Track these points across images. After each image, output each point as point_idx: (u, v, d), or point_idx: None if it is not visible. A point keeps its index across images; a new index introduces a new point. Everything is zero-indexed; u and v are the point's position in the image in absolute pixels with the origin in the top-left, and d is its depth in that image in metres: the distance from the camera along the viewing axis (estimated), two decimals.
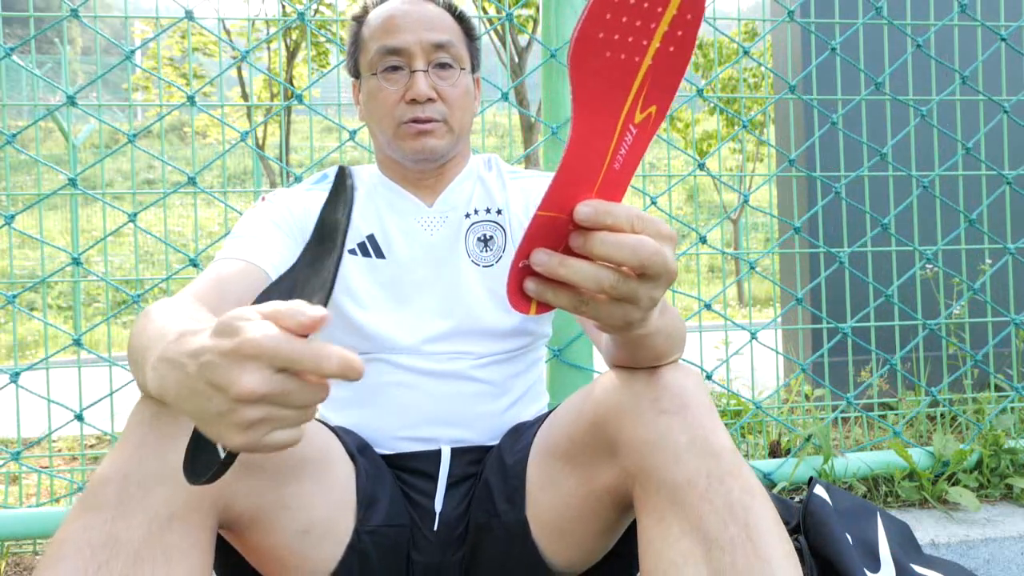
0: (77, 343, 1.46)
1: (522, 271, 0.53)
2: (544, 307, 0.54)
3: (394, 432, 0.98)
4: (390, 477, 0.95)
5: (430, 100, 0.99)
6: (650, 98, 0.49)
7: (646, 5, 0.46)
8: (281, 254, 0.95)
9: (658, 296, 0.55)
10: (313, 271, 0.53)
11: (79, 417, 1.49)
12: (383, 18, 1.01)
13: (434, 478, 0.96)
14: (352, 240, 1.04)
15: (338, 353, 0.48)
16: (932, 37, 1.80)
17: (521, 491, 0.88)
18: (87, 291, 10.16)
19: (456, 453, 0.97)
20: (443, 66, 1.01)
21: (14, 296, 1.43)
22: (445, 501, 0.95)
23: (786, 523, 1.22)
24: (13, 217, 1.41)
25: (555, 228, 0.52)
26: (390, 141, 1.02)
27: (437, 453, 0.97)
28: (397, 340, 0.99)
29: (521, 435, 0.95)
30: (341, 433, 0.93)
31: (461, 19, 1.06)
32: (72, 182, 1.48)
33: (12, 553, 1.54)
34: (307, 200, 1.03)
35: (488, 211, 1.07)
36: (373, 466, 0.92)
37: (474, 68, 1.08)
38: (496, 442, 0.99)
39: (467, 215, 1.06)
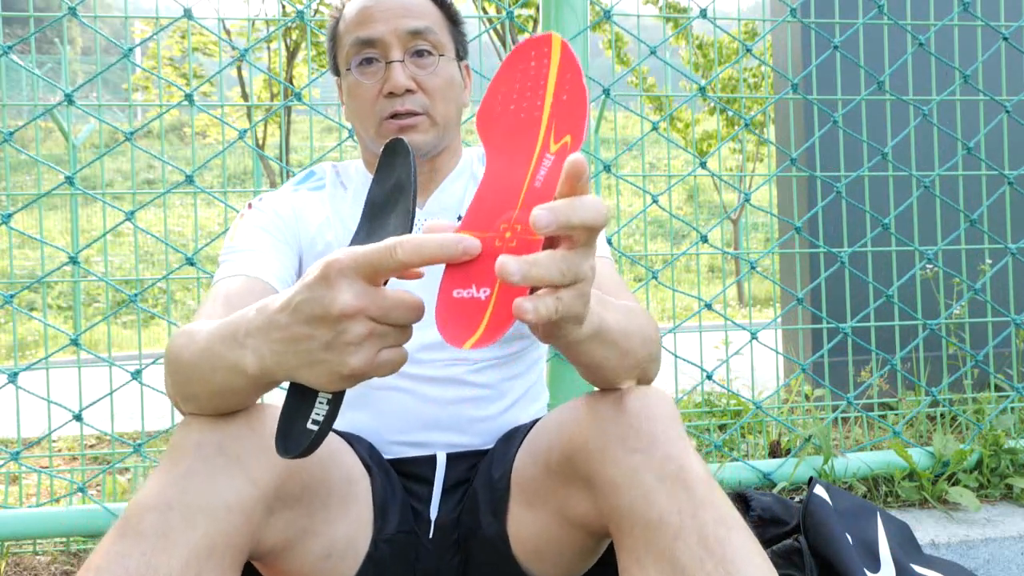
0: (75, 343, 1.46)
1: (458, 301, 0.53)
2: (488, 338, 0.52)
3: (390, 437, 0.97)
4: (396, 481, 0.94)
5: (409, 92, 0.94)
6: (561, 131, 0.57)
7: (532, 75, 0.58)
8: (280, 262, 0.93)
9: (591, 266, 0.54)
10: (377, 237, 0.57)
11: (78, 417, 1.48)
12: (357, 9, 0.97)
13: (430, 482, 0.95)
14: (340, 243, 0.99)
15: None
16: (932, 37, 1.80)
17: (504, 505, 0.87)
18: (87, 291, 10.16)
19: (452, 459, 0.96)
20: (421, 54, 0.95)
21: (11, 296, 1.43)
22: (440, 507, 0.94)
23: (786, 523, 1.22)
24: (10, 216, 1.41)
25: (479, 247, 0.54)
26: (373, 139, 0.98)
27: (433, 459, 0.96)
28: None
29: (511, 444, 0.93)
30: (353, 441, 0.92)
31: (442, 4, 1.00)
32: (69, 180, 1.48)
33: (12, 553, 1.54)
34: (295, 201, 1.00)
35: None
36: (384, 474, 0.91)
37: (460, 55, 1.02)
38: (492, 445, 0.98)
39: (460, 217, 1.02)
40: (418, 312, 0.54)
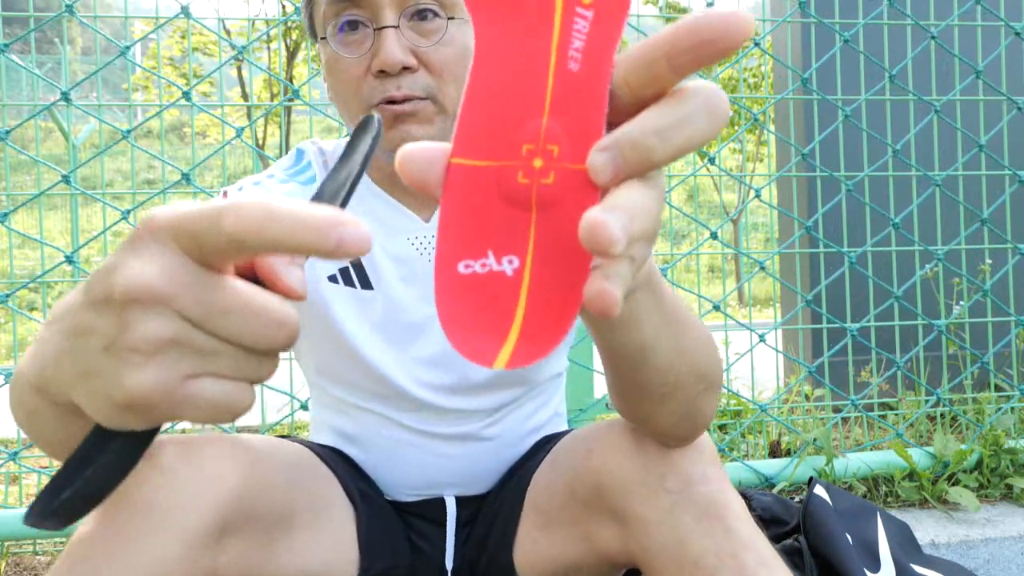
0: None
1: (467, 279, 0.32)
2: (529, 346, 0.31)
3: (397, 484, 0.88)
4: (393, 518, 0.87)
5: (407, 70, 0.71)
6: None
7: None
8: None
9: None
10: None
11: None
12: None
13: (439, 524, 0.88)
14: (333, 264, 0.82)
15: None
16: (936, 36, 1.80)
17: (512, 532, 0.82)
18: None
19: (463, 502, 0.89)
20: (423, 15, 0.72)
21: (7, 296, 1.43)
22: (455, 553, 0.87)
23: (786, 523, 1.22)
24: (7, 215, 1.41)
25: (483, 185, 0.32)
26: None
27: (441, 501, 0.88)
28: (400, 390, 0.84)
29: (523, 465, 0.87)
30: (343, 472, 0.83)
31: None
32: (66, 179, 1.47)
33: (12, 553, 1.54)
34: (279, 192, 0.82)
35: None
36: (376, 509, 0.84)
37: None
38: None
39: None
40: (279, 330, 0.33)
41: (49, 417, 0.45)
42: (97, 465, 0.35)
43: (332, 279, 0.82)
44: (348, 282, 0.81)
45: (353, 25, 0.72)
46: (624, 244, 0.28)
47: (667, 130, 0.29)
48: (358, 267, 0.82)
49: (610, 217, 0.28)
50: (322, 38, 0.75)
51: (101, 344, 0.32)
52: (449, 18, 0.73)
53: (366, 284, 0.81)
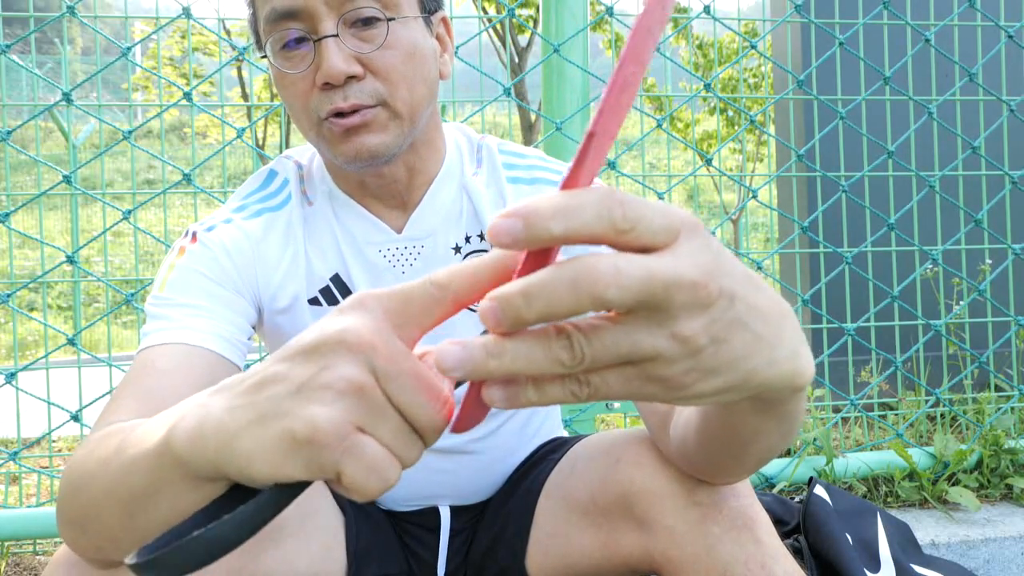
0: (71, 342, 1.46)
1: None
2: (463, 420, 0.38)
3: (391, 496, 0.88)
4: (385, 525, 0.87)
5: (353, 79, 0.69)
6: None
7: None
8: (232, 322, 0.73)
9: (692, 331, 0.32)
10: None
11: (75, 417, 1.49)
12: None
13: (433, 530, 0.88)
14: (313, 287, 0.79)
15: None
16: (932, 37, 1.80)
17: (523, 541, 0.81)
18: (87, 291, 10.16)
19: (456, 511, 0.89)
20: (365, 21, 0.69)
21: (8, 296, 1.43)
22: (447, 559, 0.88)
23: (786, 523, 1.22)
24: (8, 215, 1.41)
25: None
26: (318, 144, 0.74)
27: (436, 510, 0.88)
28: None
29: (529, 473, 0.86)
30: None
31: None
32: (67, 179, 1.48)
33: (12, 553, 1.54)
34: (254, 232, 0.78)
35: (482, 237, 0.79)
36: (366, 516, 0.84)
37: (428, 8, 0.75)
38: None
39: (456, 248, 0.80)
40: (442, 408, 0.36)
41: (167, 490, 0.42)
42: (231, 520, 0.36)
43: (314, 302, 0.80)
44: (332, 302, 0.79)
45: (294, 41, 0.70)
46: (457, 369, 0.32)
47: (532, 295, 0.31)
48: (340, 283, 0.80)
49: (450, 351, 0.32)
50: (263, 56, 0.73)
51: (289, 389, 0.36)
52: (390, 19, 0.70)
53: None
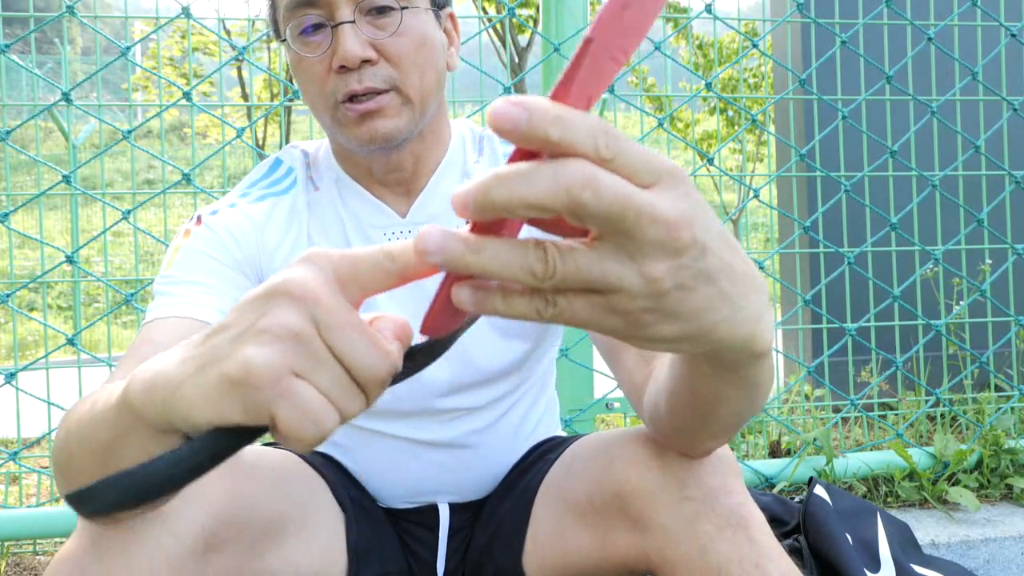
0: (71, 342, 1.46)
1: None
2: (431, 321, 0.38)
3: (390, 493, 0.89)
4: (385, 524, 0.88)
5: (367, 63, 0.73)
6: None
7: None
8: (235, 299, 0.74)
9: (659, 272, 0.33)
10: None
11: None
12: None
13: (432, 529, 0.89)
14: None
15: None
16: (932, 37, 1.80)
17: (520, 540, 0.82)
18: (87, 291, 10.16)
19: (455, 509, 0.89)
20: (379, 9, 0.73)
21: (8, 296, 1.43)
22: (447, 557, 0.88)
23: (786, 523, 1.22)
24: (7, 215, 1.41)
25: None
26: (332, 128, 0.78)
27: (435, 508, 0.89)
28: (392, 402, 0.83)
29: (526, 472, 0.87)
30: (334, 479, 0.83)
31: None
32: (67, 179, 1.48)
33: (12, 553, 1.54)
34: (257, 217, 0.81)
35: None
36: (366, 515, 0.85)
37: (438, 2, 0.79)
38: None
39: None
40: (383, 360, 0.37)
41: (130, 441, 0.45)
42: (165, 458, 0.36)
43: None
44: None
45: (313, 27, 0.74)
46: (437, 255, 0.32)
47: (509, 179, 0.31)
48: None
49: (432, 233, 0.32)
50: (283, 40, 0.77)
51: (232, 335, 0.37)
52: (403, 8, 0.74)
53: None
